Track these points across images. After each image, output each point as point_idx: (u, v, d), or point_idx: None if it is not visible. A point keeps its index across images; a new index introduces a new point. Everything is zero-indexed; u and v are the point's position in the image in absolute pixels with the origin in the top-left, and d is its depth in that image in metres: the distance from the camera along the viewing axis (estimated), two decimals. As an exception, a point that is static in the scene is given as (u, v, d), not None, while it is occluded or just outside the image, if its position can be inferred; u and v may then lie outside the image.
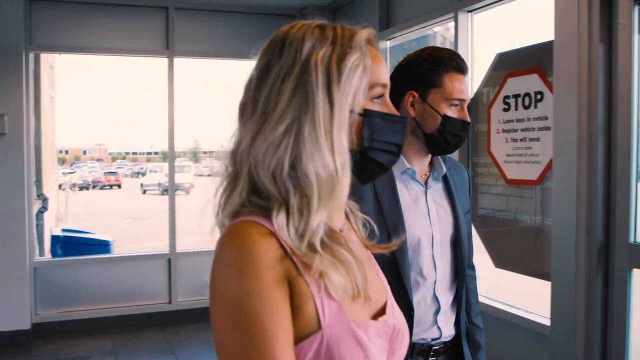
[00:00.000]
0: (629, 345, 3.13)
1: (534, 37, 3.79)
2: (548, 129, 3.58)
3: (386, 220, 1.80)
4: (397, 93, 1.89)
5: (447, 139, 1.89)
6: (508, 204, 4.08)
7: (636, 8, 3.03)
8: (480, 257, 4.27)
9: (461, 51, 4.36)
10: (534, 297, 4.34)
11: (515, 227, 3.98)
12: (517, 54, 3.98)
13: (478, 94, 4.29)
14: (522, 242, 3.87)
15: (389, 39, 5.54)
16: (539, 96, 3.71)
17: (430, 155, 1.97)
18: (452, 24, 4.54)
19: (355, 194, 1.68)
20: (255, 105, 1.05)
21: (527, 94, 3.80)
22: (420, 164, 1.96)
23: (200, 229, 1.11)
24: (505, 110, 3.99)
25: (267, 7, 6.59)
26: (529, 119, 3.79)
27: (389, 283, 1.42)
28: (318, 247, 1.00)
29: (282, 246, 0.98)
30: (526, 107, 3.80)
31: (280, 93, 1.02)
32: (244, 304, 0.94)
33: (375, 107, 1.11)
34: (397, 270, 1.80)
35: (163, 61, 6.41)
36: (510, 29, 4.71)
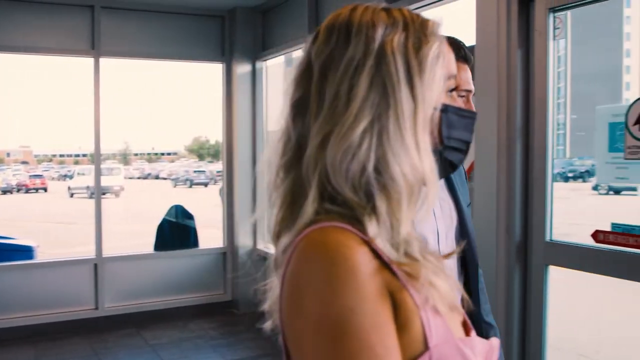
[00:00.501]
0: (546, 337, 3.26)
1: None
2: (470, 131, 3.69)
3: None
4: None
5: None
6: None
7: (551, 15, 3.16)
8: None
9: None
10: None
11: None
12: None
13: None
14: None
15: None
16: (462, 99, 3.80)
17: None
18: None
19: None
20: (321, 102, 0.90)
21: (451, 97, 3.89)
22: None
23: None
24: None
25: (196, 8, 6.53)
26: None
27: None
28: (418, 255, 0.89)
29: (378, 256, 0.85)
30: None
31: (354, 87, 0.88)
32: (348, 322, 0.79)
33: (450, 101, 1.01)
34: None
35: (89, 61, 6.25)
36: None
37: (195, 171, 24.89)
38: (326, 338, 0.79)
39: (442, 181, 1.85)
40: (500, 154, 3.28)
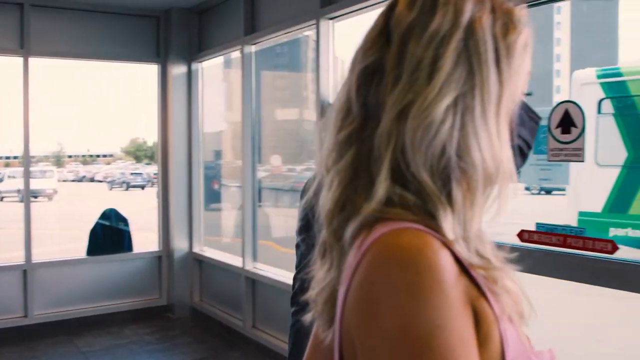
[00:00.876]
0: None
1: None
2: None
3: None
4: None
5: None
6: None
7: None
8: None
9: (322, 58, 4.48)
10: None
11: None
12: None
13: (339, 100, 4.41)
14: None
15: (254, 44, 5.58)
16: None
17: None
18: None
19: None
20: (399, 72, 0.81)
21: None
22: None
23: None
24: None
25: (130, 8, 6.42)
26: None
27: None
28: (493, 256, 0.82)
29: (457, 259, 0.76)
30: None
31: (439, 60, 0.79)
32: (434, 339, 0.70)
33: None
34: None
35: (18, 61, 6.06)
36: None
37: (132, 173, 24.44)
38: (407, 356, 0.70)
39: None
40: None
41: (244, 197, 5.64)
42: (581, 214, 8.99)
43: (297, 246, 1.62)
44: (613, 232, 8.65)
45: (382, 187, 0.79)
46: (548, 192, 17.95)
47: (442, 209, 0.78)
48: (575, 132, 2.78)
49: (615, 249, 2.68)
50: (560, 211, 9.73)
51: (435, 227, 0.77)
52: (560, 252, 2.87)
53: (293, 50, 5.63)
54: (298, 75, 5.54)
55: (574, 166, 9.48)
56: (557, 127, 2.83)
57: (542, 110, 2.98)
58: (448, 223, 0.78)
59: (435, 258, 0.73)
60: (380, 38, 0.85)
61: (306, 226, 1.91)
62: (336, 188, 0.84)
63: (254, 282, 5.60)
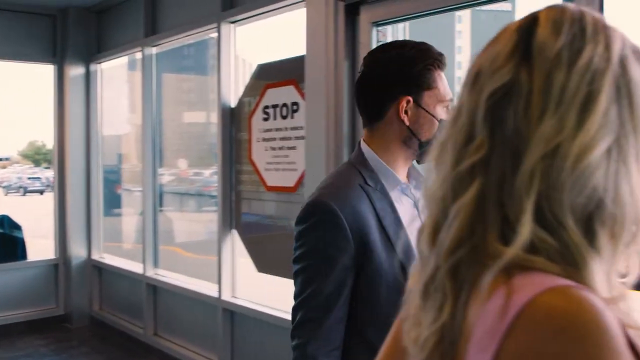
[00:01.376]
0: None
1: (293, 50, 3.99)
2: (303, 138, 3.79)
3: (395, 245, 1.54)
4: (385, 99, 1.59)
5: None
6: (269, 211, 4.24)
7: (374, 30, 3.33)
8: (245, 261, 4.39)
9: (224, 61, 4.46)
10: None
11: (276, 232, 4.15)
12: (275, 65, 4.16)
13: (240, 104, 4.40)
14: (283, 247, 4.04)
15: (155, 46, 5.47)
16: (295, 107, 3.90)
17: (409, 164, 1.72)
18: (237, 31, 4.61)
19: (358, 220, 1.51)
20: (545, 103, 0.72)
21: (285, 105, 3.98)
22: (404, 175, 1.68)
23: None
24: (265, 119, 4.14)
25: (25, 5, 6.15)
26: (286, 129, 3.97)
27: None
28: (630, 310, 0.72)
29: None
30: (284, 117, 3.99)
31: (593, 97, 0.71)
32: None
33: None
34: None
35: None
36: (274, 41, 4.91)
37: (29, 178, 23.35)
38: None
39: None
40: (329, 160, 3.40)
41: (144, 202, 5.52)
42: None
43: (297, 274, 1.55)
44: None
45: (525, 229, 0.70)
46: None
47: (589, 259, 0.70)
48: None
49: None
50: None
51: (579, 279, 0.69)
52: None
53: (200, 52, 5.56)
54: (205, 78, 5.47)
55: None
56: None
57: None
58: (598, 276, 0.70)
59: (609, 325, 0.63)
60: (514, 57, 0.75)
61: None
62: (459, 224, 0.75)
63: (155, 289, 5.49)
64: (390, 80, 1.58)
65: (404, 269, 1.48)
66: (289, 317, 4.00)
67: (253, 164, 4.25)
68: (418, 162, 1.69)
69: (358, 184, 1.57)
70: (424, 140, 1.60)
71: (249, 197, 4.39)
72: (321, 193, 1.56)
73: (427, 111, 1.58)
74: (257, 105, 4.21)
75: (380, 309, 1.50)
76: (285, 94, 3.98)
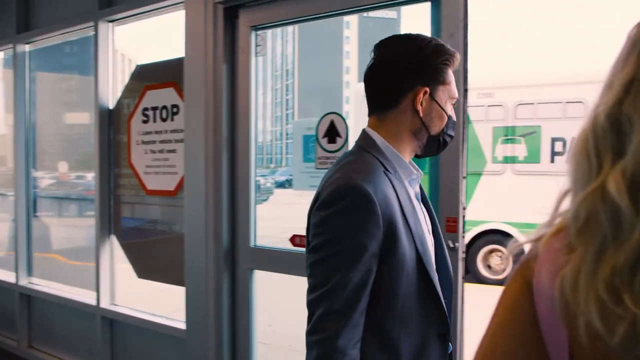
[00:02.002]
0: (254, 335, 3.46)
1: (174, 52, 3.93)
2: (183, 141, 3.75)
3: (414, 236, 1.51)
4: (402, 87, 1.58)
5: (446, 140, 1.67)
6: (149, 215, 4.16)
7: (253, 33, 3.35)
8: (125, 267, 4.28)
9: (101, 61, 4.32)
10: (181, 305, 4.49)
11: (156, 237, 4.07)
12: (155, 67, 4.08)
13: (119, 105, 4.29)
14: (163, 251, 3.98)
15: (28, 43, 5.22)
16: (175, 109, 3.85)
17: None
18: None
19: (388, 206, 1.45)
20: None
21: (165, 107, 3.91)
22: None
23: None
24: (144, 122, 4.05)
25: None
26: (166, 131, 3.91)
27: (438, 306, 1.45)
28: None
29: None
30: (164, 120, 3.92)
31: None
32: None
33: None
34: (435, 291, 1.55)
35: None
36: (160, 42, 4.81)
37: None
38: None
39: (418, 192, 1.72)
40: (208, 164, 3.38)
41: (16, 207, 5.26)
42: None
43: (318, 263, 1.45)
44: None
45: None
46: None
47: None
48: (340, 141, 2.97)
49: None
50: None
51: None
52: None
53: (83, 50, 5.33)
54: (88, 77, 5.27)
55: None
56: (324, 136, 3.01)
57: (307, 121, 3.15)
58: None
59: None
60: (633, 51, 0.77)
61: None
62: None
63: (29, 298, 5.23)
64: (409, 70, 1.57)
65: (420, 260, 1.48)
66: (171, 323, 3.95)
67: (132, 167, 4.15)
68: (419, 156, 1.69)
69: (382, 170, 1.54)
70: (433, 133, 1.62)
71: (129, 202, 4.28)
72: (352, 177, 1.47)
73: (439, 105, 1.60)
74: (136, 107, 4.11)
75: (397, 300, 1.48)
76: (165, 96, 3.92)
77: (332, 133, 2.98)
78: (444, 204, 2.56)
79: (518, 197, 8.72)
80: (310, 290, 1.47)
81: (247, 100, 3.33)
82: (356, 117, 9.91)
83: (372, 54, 1.63)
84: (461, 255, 2.55)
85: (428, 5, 2.63)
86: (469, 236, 9.03)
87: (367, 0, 2.87)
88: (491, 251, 9.11)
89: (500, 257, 9.05)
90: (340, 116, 3.00)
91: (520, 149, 8.73)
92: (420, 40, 1.59)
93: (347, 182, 1.46)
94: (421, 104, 1.58)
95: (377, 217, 1.43)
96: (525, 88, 8.81)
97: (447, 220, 2.54)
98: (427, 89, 1.58)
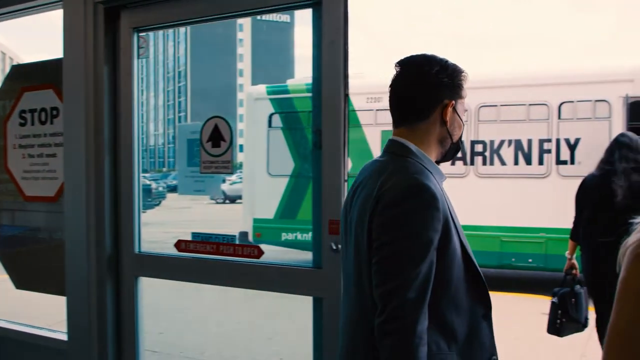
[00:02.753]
0: (140, 343, 3.39)
1: (55, 52, 3.79)
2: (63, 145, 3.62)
3: (457, 228, 1.71)
4: (433, 101, 1.78)
5: (460, 147, 1.89)
6: (29, 222, 3.98)
7: (135, 35, 3.29)
8: (2, 278, 4.08)
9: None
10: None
11: (37, 245, 3.90)
12: (32, 67, 3.92)
13: (-7, 108, 4.08)
14: (44, 260, 3.82)
15: None
16: (54, 112, 3.71)
17: None
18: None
19: (444, 203, 1.66)
20: None
21: (44, 109, 3.76)
22: None
23: None
24: (21, 125, 3.88)
25: None
26: (45, 135, 3.76)
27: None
28: None
29: None
30: (42, 123, 3.77)
31: None
32: None
33: None
34: (479, 274, 1.76)
35: None
36: (39, 41, 4.61)
37: None
38: None
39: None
40: (89, 168, 3.29)
41: None
42: (256, 220, 9.62)
43: (390, 257, 1.61)
44: (284, 236, 9.43)
45: None
46: (233, 201, 18.80)
47: None
48: (224, 145, 2.97)
49: (261, 253, 2.93)
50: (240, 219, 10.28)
51: None
52: (214, 259, 3.04)
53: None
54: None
55: (248, 176, 10.11)
56: (208, 140, 3.00)
57: (192, 125, 3.14)
58: None
59: None
60: None
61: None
62: None
63: None
64: (442, 86, 1.78)
65: (464, 248, 1.70)
66: (52, 335, 3.79)
67: (9, 172, 3.96)
68: (438, 162, 1.86)
69: (428, 172, 1.72)
70: (454, 141, 1.84)
71: (6, 208, 4.08)
72: (416, 177, 1.65)
73: (459, 116, 1.83)
74: (12, 109, 3.92)
75: (451, 285, 1.66)
76: (43, 98, 3.76)
77: (217, 137, 2.98)
78: (326, 206, 2.62)
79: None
80: (381, 284, 1.62)
81: (130, 103, 3.26)
82: (249, 120, 9.92)
83: (397, 70, 1.85)
84: (344, 256, 2.61)
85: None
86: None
87: (249, 5, 2.89)
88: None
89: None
90: (225, 120, 3.00)
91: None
92: (440, 60, 1.82)
93: (414, 182, 1.64)
94: (447, 115, 1.80)
95: (439, 214, 1.62)
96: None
97: (330, 223, 2.60)
98: (453, 102, 1.80)
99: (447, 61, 1.82)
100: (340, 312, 1.93)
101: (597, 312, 4.47)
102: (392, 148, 1.82)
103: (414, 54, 1.87)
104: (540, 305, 7.57)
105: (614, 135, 7.70)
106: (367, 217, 1.68)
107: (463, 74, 1.83)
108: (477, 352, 1.74)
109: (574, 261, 4.66)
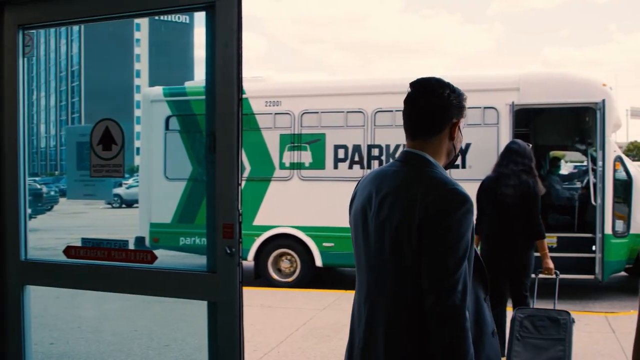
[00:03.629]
0: (28, 357, 3.23)
1: None
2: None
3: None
4: (446, 119, 2.14)
5: (457, 158, 2.29)
6: None
7: (21, 32, 3.15)
8: None
9: None
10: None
11: None
12: None
13: None
14: None
15: None
16: None
17: None
18: None
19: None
20: None
21: None
22: None
23: None
24: None
25: None
26: None
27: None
28: None
29: None
30: None
31: None
32: None
33: None
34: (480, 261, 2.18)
35: None
36: None
37: None
38: None
39: None
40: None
41: None
42: (152, 225, 9.41)
43: (448, 253, 1.99)
44: (183, 241, 9.27)
45: None
46: (129, 205, 18.26)
47: None
48: (115, 149, 2.91)
49: (154, 258, 2.89)
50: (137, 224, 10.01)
51: None
52: (106, 265, 2.96)
53: None
54: None
55: (145, 180, 9.89)
56: (98, 143, 2.92)
57: (81, 128, 3.05)
58: None
59: None
60: None
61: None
62: None
63: None
64: (453, 106, 2.15)
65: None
66: None
67: None
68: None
69: None
70: (456, 153, 2.22)
71: None
72: (457, 188, 2.02)
73: (460, 132, 2.19)
74: None
75: (471, 273, 2.04)
76: None
77: (108, 140, 2.90)
78: (220, 210, 2.61)
79: (305, 202, 9.11)
80: (438, 279, 1.96)
81: (15, 104, 3.11)
82: (145, 122, 9.68)
83: (413, 90, 2.17)
84: (238, 260, 2.62)
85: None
86: (259, 241, 9.24)
87: (141, 6, 2.84)
88: (281, 255, 9.38)
89: (289, 260, 9.35)
90: (116, 122, 2.93)
91: (306, 156, 9.10)
92: (449, 83, 2.18)
93: (458, 193, 2.01)
94: (455, 132, 2.17)
95: (473, 215, 2.04)
96: (311, 97, 9.21)
97: (224, 227, 2.60)
98: (459, 120, 2.16)
99: (453, 85, 2.19)
100: (357, 297, 2.20)
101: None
102: (409, 159, 2.15)
103: (424, 76, 2.21)
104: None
105: (502, 140, 8.25)
106: (414, 222, 1.98)
107: (465, 95, 2.18)
108: (483, 327, 2.12)
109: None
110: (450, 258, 1.95)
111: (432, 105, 2.13)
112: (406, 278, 2.01)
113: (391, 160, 8.88)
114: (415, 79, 2.19)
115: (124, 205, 19.44)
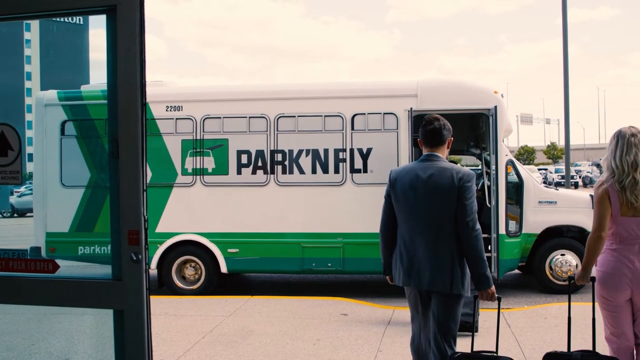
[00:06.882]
0: None
1: None
2: None
3: None
4: (447, 136, 4.08)
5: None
6: None
7: None
8: None
9: None
10: None
11: None
12: None
13: None
14: None
15: None
16: None
17: None
18: None
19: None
20: None
21: None
22: None
23: None
24: None
25: None
26: None
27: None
28: None
29: None
30: None
31: None
32: None
33: None
34: None
35: None
36: None
37: None
38: None
39: None
40: None
41: None
42: (48, 234, 9.01)
43: (472, 204, 4.00)
44: (81, 250, 8.92)
45: None
46: (22, 214, 17.44)
47: None
48: (12, 155, 2.80)
49: (56, 267, 2.80)
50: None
51: None
52: (4, 276, 2.84)
53: None
54: None
55: (39, 187, 9.47)
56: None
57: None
58: None
59: None
60: None
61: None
62: None
63: None
64: (450, 130, 4.08)
65: None
66: None
67: None
68: None
69: None
70: (447, 155, 4.14)
71: None
72: (469, 170, 3.94)
73: (448, 144, 4.12)
74: None
75: None
76: None
77: (3, 145, 2.79)
78: (125, 216, 2.57)
79: (208, 208, 9.01)
80: (469, 214, 3.84)
81: None
82: (38, 127, 9.26)
83: (435, 119, 4.08)
84: (145, 267, 2.59)
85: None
86: (162, 248, 9.06)
87: (36, 8, 2.76)
88: (185, 262, 9.23)
89: (194, 267, 9.22)
90: (12, 127, 2.82)
91: (208, 162, 9.02)
92: (442, 116, 4.11)
93: (470, 172, 3.90)
94: (449, 144, 4.13)
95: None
96: (213, 102, 9.13)
97: (129, 233, 2.56)
98: (450, 138, 4.10)
99: (439, 115, 4.15)
100: (408, 236, 4.01)
101: None
102: (435, 158, 4.00)
103: (434, 114, 4.20)
104: (339, 306, 7.99)
105: (402, 145, 8.53)
106: (455, 186, 3.83)
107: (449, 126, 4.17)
108: None
109: None
110: (473, 204, 3.85)
111: (445, 130, 4.02)
112: (448, 217, 3.85)
113: (318, 164, 8.90)
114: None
115: (16, 215, 18.53)
